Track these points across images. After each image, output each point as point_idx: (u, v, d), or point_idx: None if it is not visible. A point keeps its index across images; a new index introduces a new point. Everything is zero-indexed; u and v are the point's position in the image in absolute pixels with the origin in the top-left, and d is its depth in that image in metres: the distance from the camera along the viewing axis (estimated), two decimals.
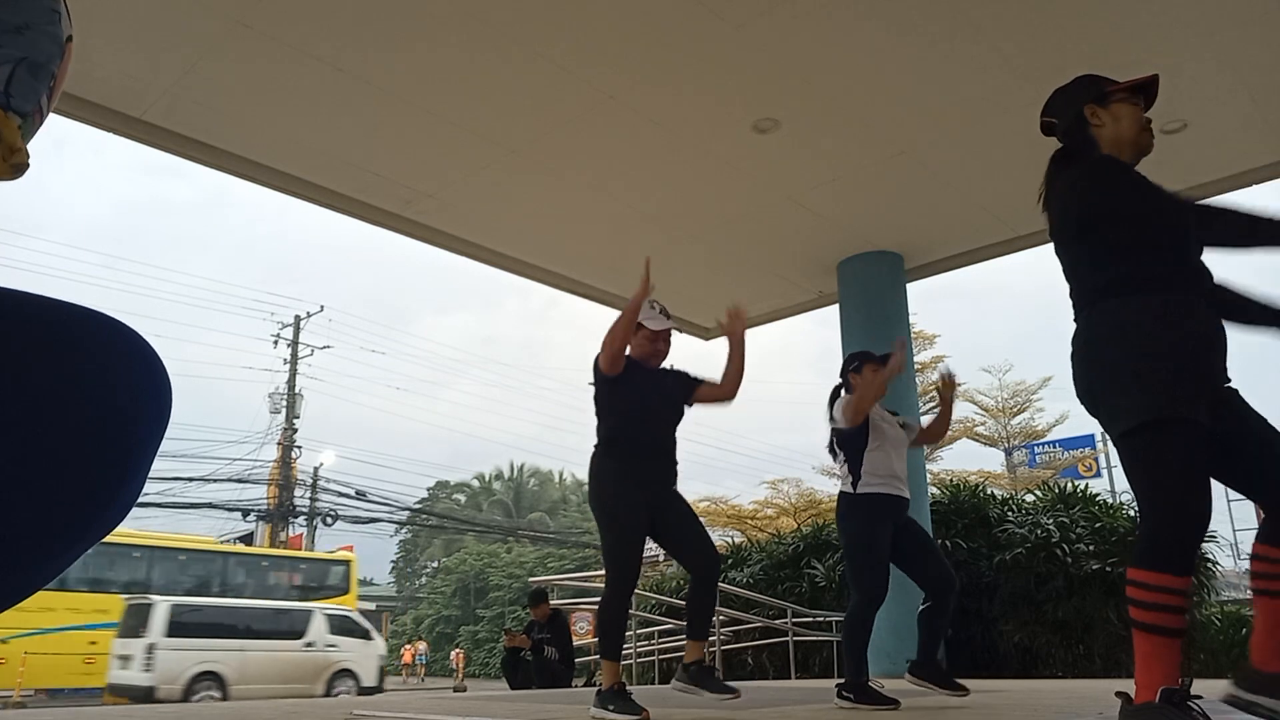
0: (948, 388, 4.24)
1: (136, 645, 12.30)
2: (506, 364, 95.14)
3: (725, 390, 3.59)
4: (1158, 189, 2.24)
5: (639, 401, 3.49)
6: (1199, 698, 1.92)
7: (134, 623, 12.67)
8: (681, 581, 11.48)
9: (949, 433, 21.89)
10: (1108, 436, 2.22)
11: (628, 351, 3.57)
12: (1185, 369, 2.04)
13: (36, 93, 0.89)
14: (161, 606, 12.61)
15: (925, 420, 4.56)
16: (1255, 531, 2.15)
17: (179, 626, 12.52)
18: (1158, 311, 2.08)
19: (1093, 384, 2.17)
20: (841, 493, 3.97)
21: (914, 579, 3.85)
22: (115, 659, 12.83)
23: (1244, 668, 2.09)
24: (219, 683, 12.64)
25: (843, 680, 3.71)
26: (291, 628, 13.82)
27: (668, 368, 3.71)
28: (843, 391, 4.14)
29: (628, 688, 3.30)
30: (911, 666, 3.80)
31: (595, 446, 3.54)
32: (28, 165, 0.90)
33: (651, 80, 5.39)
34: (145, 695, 11.72)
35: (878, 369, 4.07)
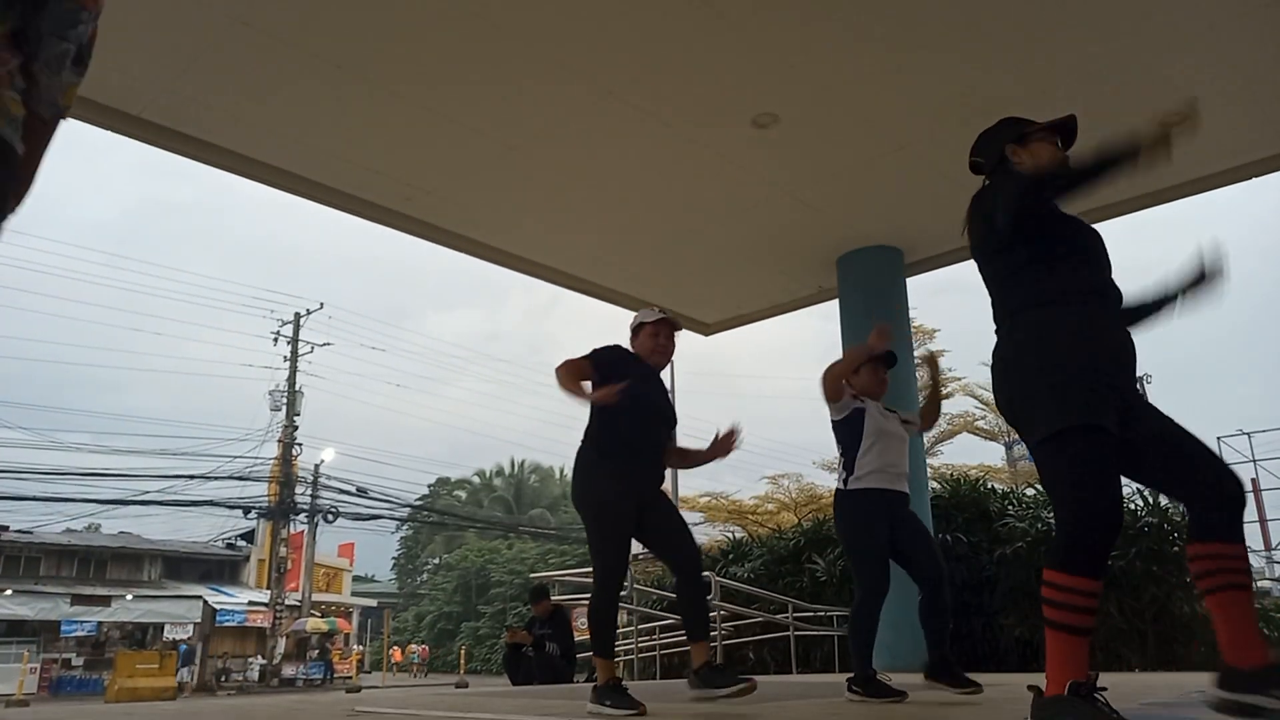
0: (934, 367, 4.29)
1: None
2: (509, 361, 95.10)
3: (680, 464, 3.77)
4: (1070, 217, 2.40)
5: (644, 402, 3.46)
6: (1104, 689, 1.98)
7: None
8: None
9: (944, 417, 21.89)
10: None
11: (630, 347, 3.64)
12: (1098, 380, 2.13)
13: None
14: None
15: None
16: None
17: None
18: (1072, 325, 2.19)
19: (1011, 395, 2.27)
20: (835, 490, 4.00)
21: (908, 573, 3.87)
22: None
23: (1223, 668, 2.10)
24: None
25: (852, 675, 3.74)
26: None
27: (665, 385, 3.73)
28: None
29: (624, 683, 3.31)
30: (925, 670, 3.83)
31: (583, 441, 3.50)
32: None
33: (650, 76, 5.39)
34: None
35: (877, 368, 4.10)
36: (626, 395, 3.28)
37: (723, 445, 3.55)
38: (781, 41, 5.10)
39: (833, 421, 4.10)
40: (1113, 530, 2.06)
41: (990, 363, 2.34)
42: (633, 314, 3.85)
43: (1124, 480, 2.20)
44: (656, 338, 3.65)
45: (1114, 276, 2.37)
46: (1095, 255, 2.35)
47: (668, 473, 3.82)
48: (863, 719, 2.93)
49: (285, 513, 26.35)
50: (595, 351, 3.51)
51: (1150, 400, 2.29)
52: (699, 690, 3.28)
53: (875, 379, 4.11)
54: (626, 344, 3.73)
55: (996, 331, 2.35)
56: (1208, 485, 2.15)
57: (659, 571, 13.96)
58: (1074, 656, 2.01)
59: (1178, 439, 2.19)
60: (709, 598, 7.69)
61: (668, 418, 3.61)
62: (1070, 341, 2.17)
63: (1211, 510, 2.15)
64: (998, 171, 2.52)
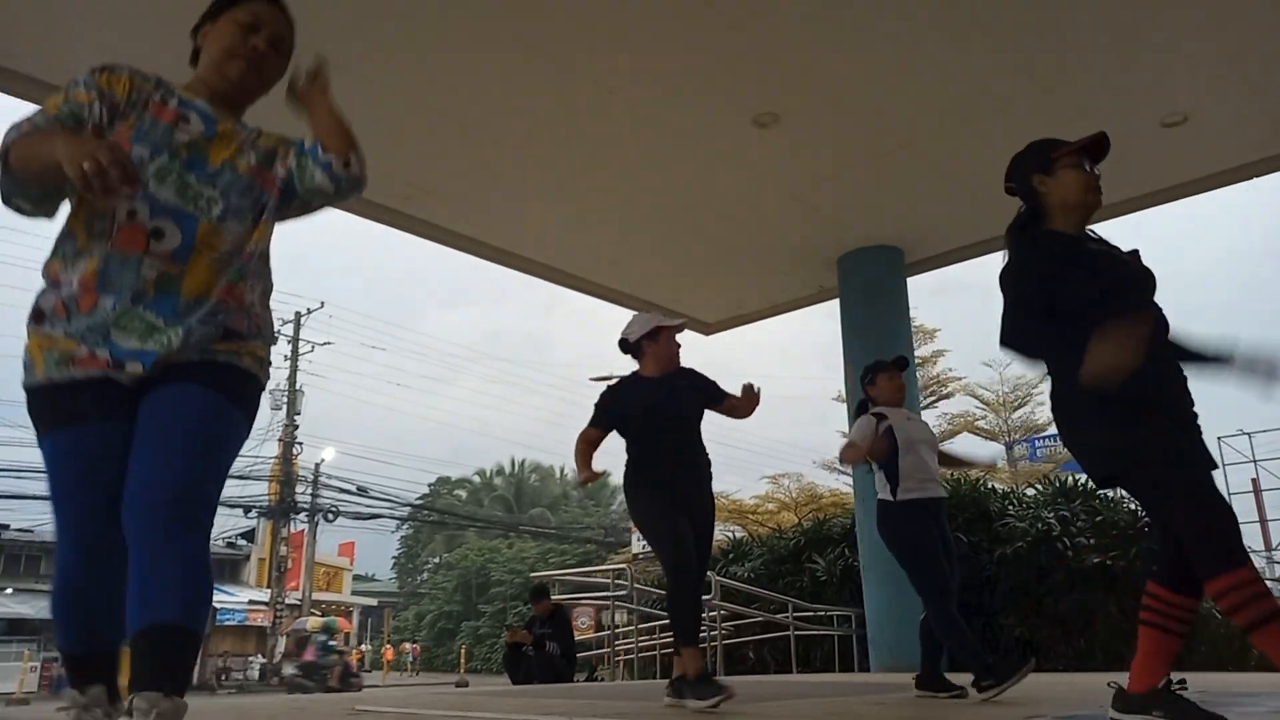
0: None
1: None
2: (509, 360, 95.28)
3: (740, 414, 3.76)
4: (1101, 254, 2.34)
5: (653, 426, 3.59)
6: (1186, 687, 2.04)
7: None
8: None
9: (944, 417, 21.71)
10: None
11: (639, 352, 3.75)
12: (1154, 408, 2.13)
13: None
14: None
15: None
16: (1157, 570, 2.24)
17: None
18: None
19: (1074, 434, 2.26)
20: (881, 500, 3.99)
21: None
22: None
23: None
24: None
25: (974, 678, 3.65)
26: None
27: (686, 369, 3.77)
28: (868, 405, 4.19)
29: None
30: (915, 680, 3.86)
31: (626, 464, 3.64)
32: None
33: (651, 75, 5.39)
34: None
35: (893, 376, 4.11)
36: (644, 430, 3.58)
37: (746, 402, 3.70)
38: (781, 41, 5.10)
39: None
40: (1234, 526, 2.04)
41: (1050, 405, 2.33)
42: (631, 313, 3.87)
43: (1123, 491, 2.22)
44: (672, 344, 3.75)
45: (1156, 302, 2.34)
46: (1140, 286, 2.32)
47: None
48: (862, 719, 2.93)
49: (285, 512, 26.36)
50: (596, 410, 3.70)
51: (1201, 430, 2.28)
52: (671, 701, 3.31)
53: (893, 387, 4.12)
54: (621, 349, 3.80)
55: (1050, 373, 2.33)
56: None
57: (659, 571, 13.96)
58: (1160, 655, 2.05)
59: None
60: (709, 597, 7.71)
61: (687, 415, 3.68)
62: (1133, 378, 2.12)
63: (1192, 568, 2.15)
64: (1027, 200, 2.51)
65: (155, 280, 1.65)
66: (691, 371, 3.79)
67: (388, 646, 34.38)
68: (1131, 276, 2.33)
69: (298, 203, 1.92)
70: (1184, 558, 2.13)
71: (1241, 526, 2.11)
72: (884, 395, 4.12)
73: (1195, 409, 2.26)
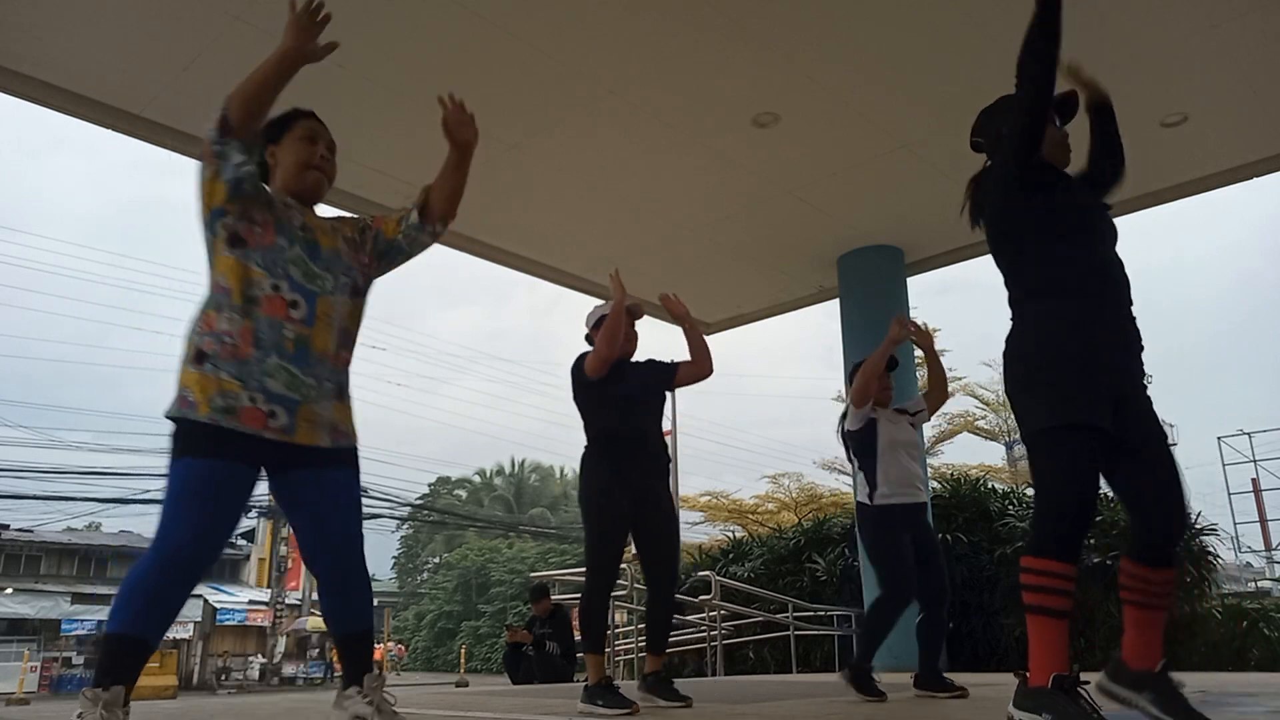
0: (924, 337, 4.35)
1: None
2: (511, 360, 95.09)
3: (697, 366, 3.70)
4: (1064, 186, 2.41)
5: (625, 396, 3.54)
6: (1086, 683, 2.04)
7: None
8: (682, 576, 11.48)
9: (944, 416, 21.73)
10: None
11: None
12: (1090, 374, 2.14)
13: None
14: None
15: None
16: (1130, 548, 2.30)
17: None
18: (1070, 317, 2.19)
19: (1010, 387, 2.29)
20: (859, 503, 4.02)
21: None
22: None
23: (1115, 661, 2.26)
24: None
25: (850, 669, 3.81)
26: None
27: (642, 360, 3.75)
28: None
29: (615, 682, 3.33)
30: (914, 679, 3.90)
31: (586, 445, 3.58)
32: None
33: (651, 75, 5.39)
34: None
35: (881, 376, 4.13)
36: (616, 396, 3.51)
37: (671, 310, 3.79)
38: (782, 41, 5.10)
39: (846, 430, 4.14)
40: (1084, 523, 2.12)
41: (1003, 350, 2.35)
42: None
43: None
44: (627, 326, 3.72)
45: (1117, 251, 2.35)
46: (1099, 233, 2.34)
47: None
48: (861, 719, 2.93)
49: None
50: (579, 372, 3.61)
51: (1151, 400, 2.28)
52: (644, 695, 3.36)
53: (881, 385, 4.13)
54: (588, 344, 3.81)
55: (1015, 297, 2.35)
56: (1163, 518, 2.20)
57: None
58: (1054, 644, 2.06)
59: (1155, 460, 2.20)
60: (709, 597, 7.71)
61: (654, 406, 3.65)
62: (1066, 334, 2.17)
63: (1157, 541, 2.21)
64: (995, 152, 2.54)
65: (294, 340, 2.11)
66: (650, 361, 3.77)
67: (377, 647, 34.49)
68: (1106, 226, 2.38)
69: (404, 257, 2.49)
70: (1147, 531, 2.21)
71: (1244, 526, 2.14)
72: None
73: (1144, 376, 2.27)
